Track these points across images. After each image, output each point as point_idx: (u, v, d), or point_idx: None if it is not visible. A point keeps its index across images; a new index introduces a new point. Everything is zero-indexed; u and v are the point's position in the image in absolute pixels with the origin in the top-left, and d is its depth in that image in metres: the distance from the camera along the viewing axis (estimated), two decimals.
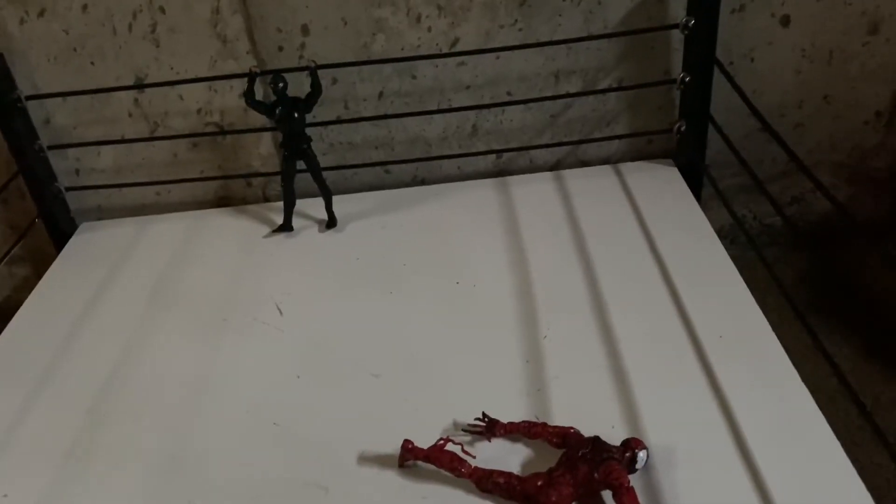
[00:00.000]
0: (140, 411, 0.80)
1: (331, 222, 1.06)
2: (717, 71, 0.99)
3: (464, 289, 0.92)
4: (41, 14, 1.02)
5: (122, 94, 1.08)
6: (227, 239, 1.07)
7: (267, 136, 1.11)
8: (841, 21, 1.02)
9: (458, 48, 1.05)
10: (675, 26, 0.98)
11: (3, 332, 0.94)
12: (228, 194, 1.17)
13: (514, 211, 1.05)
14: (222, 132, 1.11)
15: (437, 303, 0.91)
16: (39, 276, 1.04)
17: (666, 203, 1.02)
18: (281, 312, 0.92)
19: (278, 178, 1.06)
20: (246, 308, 0.93)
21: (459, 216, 1.06)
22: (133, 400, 0.82)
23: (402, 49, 1.04)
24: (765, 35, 1.03)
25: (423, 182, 1.16)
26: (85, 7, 1.01)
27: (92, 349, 0.90)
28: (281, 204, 1.07)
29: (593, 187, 1.08)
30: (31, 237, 1.15)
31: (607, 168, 1.12)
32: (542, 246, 0.97)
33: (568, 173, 1.12)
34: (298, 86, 1.00)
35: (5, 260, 1.06)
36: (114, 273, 1.03)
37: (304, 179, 1.04)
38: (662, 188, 1.06)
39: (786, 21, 1.02)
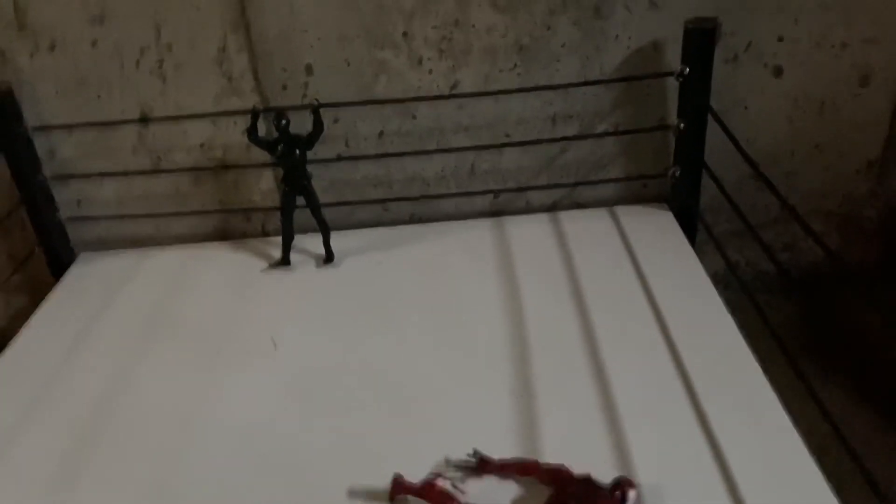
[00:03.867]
0: (130, 440, 0.80)
1: (328, 258, 1.07)
2: (711, 118, 1.01)
3: (458, 326, 0.93)
4: (51, 48, 1.04)
5: (127, 127, 1.09)
6: (224, 272, 1.08)
7: (268, 171, 1.13)
8: (832, 72, 1.05)
9: (458, 91, 1.07)
10: (671, 74, 1.00)
11: None
12: (228, 228, 1.18)
13: (509, 251, 1.06)
14: (223, 167, 1.12)
15: (431, 339, 0.91)
16: (36, 306, 1.04)
17: (660, 247, 1.03)
18: (276, 346, 0.92)
19: (278, 213, 1.08)
20: (240, 341, 0.94)
21: (456, 255, 1.07)
22: (123, 429, 0.82)
23: (404, 90, 1.07)
24: (758, 84, 1.06)
25: (420, 220, 1.17)
26: (94, 42, 1.04)
27: (85, 379, 0.90)
28: (279, 239, 1.08)
29: (589, 229, 1.09)
30: (29, 267, 1.15)
31: (602, 211, 1.13)
32: (536, 286, 0.98)
33: (564, 215, 1.13)
34: (301, 124, 1.02)
35: (2, 289, 1.07)
36: (111, 303, 1.03)
37: (303, 215, 1.06)
38: (657, 232, 1.07)
39: (778, 71, 1.05)
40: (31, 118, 1.06)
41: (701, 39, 0.97)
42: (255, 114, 1.00)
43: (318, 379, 0.86)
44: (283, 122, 0.99)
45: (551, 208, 1.16)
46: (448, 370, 0.86)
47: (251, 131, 1.00)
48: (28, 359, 0.95)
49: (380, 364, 0.88)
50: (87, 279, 1.10)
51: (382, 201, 1.15)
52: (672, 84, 1.04)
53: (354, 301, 0.99)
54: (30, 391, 0.88)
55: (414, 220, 1.17)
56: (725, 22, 1.00)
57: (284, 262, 1.07)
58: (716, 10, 1.00)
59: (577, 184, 1.14)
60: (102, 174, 1.12)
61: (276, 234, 1.13)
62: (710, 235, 1.00)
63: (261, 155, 1.06)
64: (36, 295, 1.18)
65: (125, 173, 1.12)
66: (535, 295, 0.96)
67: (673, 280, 0.96)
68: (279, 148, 1.00)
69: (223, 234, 1.18)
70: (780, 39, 1.03)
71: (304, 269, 1.07)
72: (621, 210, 1.13)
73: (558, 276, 0.99)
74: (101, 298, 1.04)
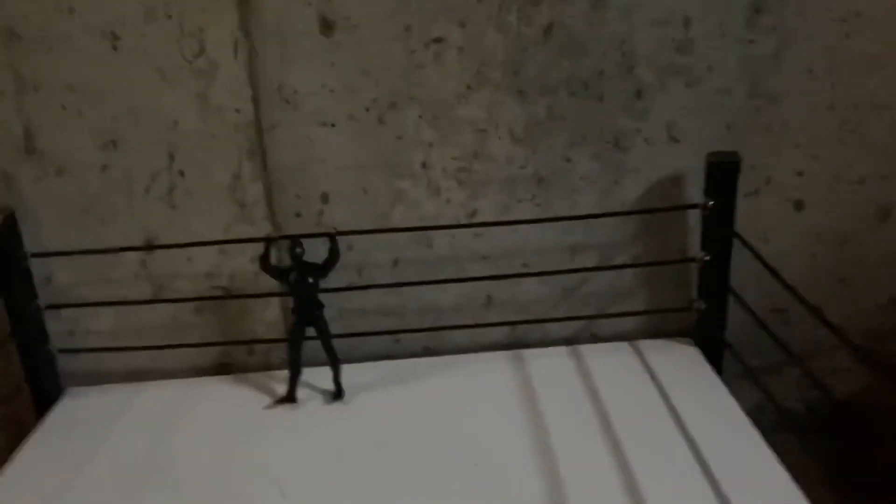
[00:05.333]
0: None
1: (338, 393, 1.01)
2: (736, 248, 0.99)
3: (479, 469, 0.86)
4: (59, 173, 1.01)
5: (130, 254, 1.05)
6: (224, 409, 1.01)
7: (275, 301, 1.08)
8: (851, 207, 1.05)
9: (476, 220, 1.05)
10: (696, 206, 0.99)
11: None
12: (229, 361, 1.11)
13: (530, 387, 1.00)
14: (229, 296, 1.07)
15: (451, 486, 0.84)
16: (14, 447, 0.95)
17: (689, 382, 0.99)
18: (283, 494, 0.84)
19: (282, 345, 1.02)
20: (242, 487, 0.85)
21: (473, 391, 1.01)
22: None
23: (420, 219, 1.04)
24: (779, 218, 1.05)
25: (433, 353, 1.12)
26: (104, 168, 1.01)
27: None
28: (284, 373, 1.01)
29: (611, 364, 1.04)
30: (11, 401, 1.07)
31: (624, 345, 1.09)
32: (562, 425, 0.92)
33: (584, 349, 1.08)
34: (312, 250, 0.98)
35: None
36: (99, 445, 0.94)
37: (307, 347, 1.00)
38: (684, 367, 1.02)
39: (799, 205, 1.05)
40: (30, 244, 1.01)
41: (724, 173, 0.96)
42: (268, 242, 0.97)
43: None
44: (298, 250, 0.95)
45: (570, 341, 1.11)
46: None
47: (264, 260, 0.96)
48: None
49: None
50: (73, 417, 1.02)
51: (394, 332, 1.10)
52: (692, 215, 1.03)
53: (368, 442, 0.92)
54: None
55: (427, 352, 1.12)
56: (745, 156, 1.00)
57: (290, 398, 1.00)
58: (734, 143, 1.00)
59: (596, 316, 1.10)
60: (99, 303, 1.06)
61: (280, 368, 1.07)
62: (747, 370, 0.96)
63: (268, 284, 1.02)
64: (15, 434, 1.08)
65: (124, 303, 1.06)
66: (562, 434, 0.90)
67: (708, 417, 0.91)
68: (291, 276, 0.96)
69: (223, 368, 1.11)
70: (800, 174, 1.03)
71: (311, 407, 1.00)
72: (644, 344, 1.08)
73: (586, 414, 0.93)
74: (88, 439, 0.96)
